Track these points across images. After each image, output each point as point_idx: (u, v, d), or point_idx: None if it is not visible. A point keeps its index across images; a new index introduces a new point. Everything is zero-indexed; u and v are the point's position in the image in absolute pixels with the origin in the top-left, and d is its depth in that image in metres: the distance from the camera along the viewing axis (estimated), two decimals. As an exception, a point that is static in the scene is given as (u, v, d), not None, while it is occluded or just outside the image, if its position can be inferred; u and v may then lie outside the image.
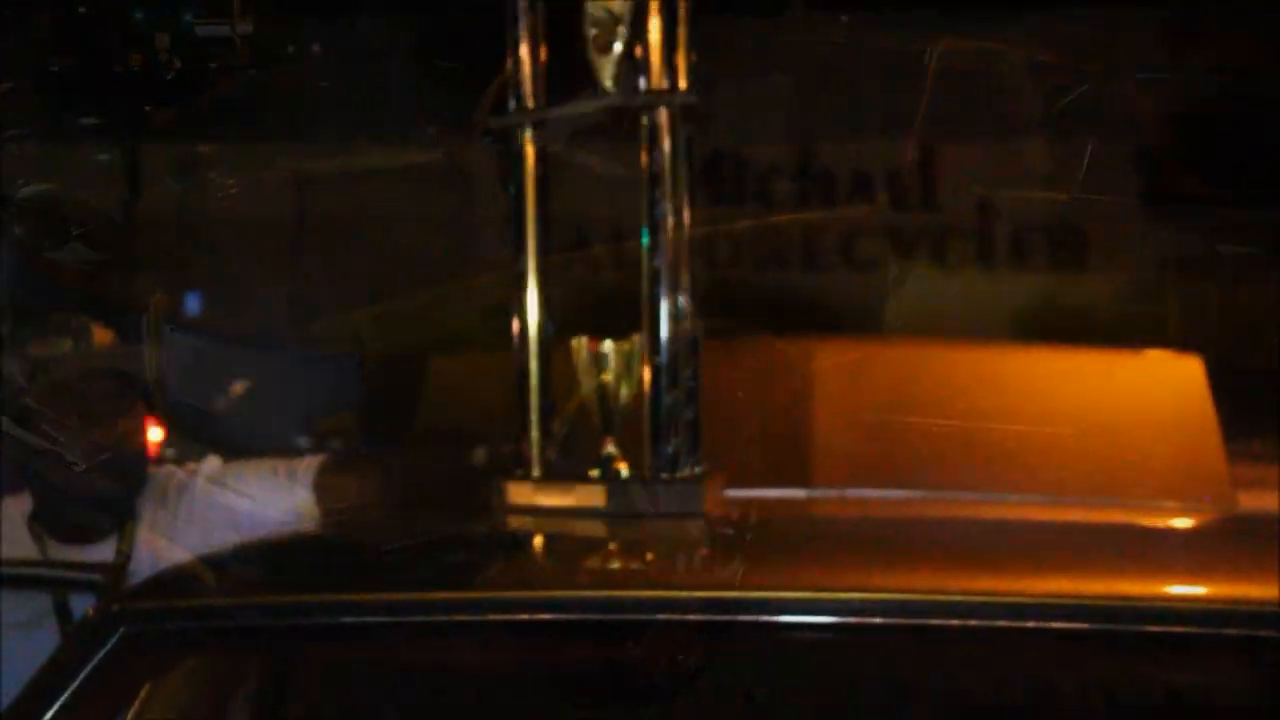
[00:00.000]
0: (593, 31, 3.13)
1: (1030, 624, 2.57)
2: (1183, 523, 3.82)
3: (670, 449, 3.07)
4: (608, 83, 3.14)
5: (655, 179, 3.08)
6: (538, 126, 3.15)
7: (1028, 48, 30.23)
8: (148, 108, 31.07)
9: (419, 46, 26.28)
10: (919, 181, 29.94)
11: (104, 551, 4.14)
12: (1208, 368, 4.44)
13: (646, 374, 3.15)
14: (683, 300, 3.11)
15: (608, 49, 3.10)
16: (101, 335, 4.52)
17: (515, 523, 3.12)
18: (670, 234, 3.09)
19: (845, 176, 28.67)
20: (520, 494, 3.09)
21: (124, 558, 3.76)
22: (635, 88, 3.08)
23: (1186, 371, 4.46)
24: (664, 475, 3.07)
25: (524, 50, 3.15)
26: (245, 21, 32.44)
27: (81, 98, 30.39)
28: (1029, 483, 3.94)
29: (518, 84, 3.16)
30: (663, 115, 3.09)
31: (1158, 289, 25.35)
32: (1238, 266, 25.79)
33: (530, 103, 3.17)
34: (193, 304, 26.23)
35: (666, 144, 3.09)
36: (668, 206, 3.09)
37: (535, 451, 3.19)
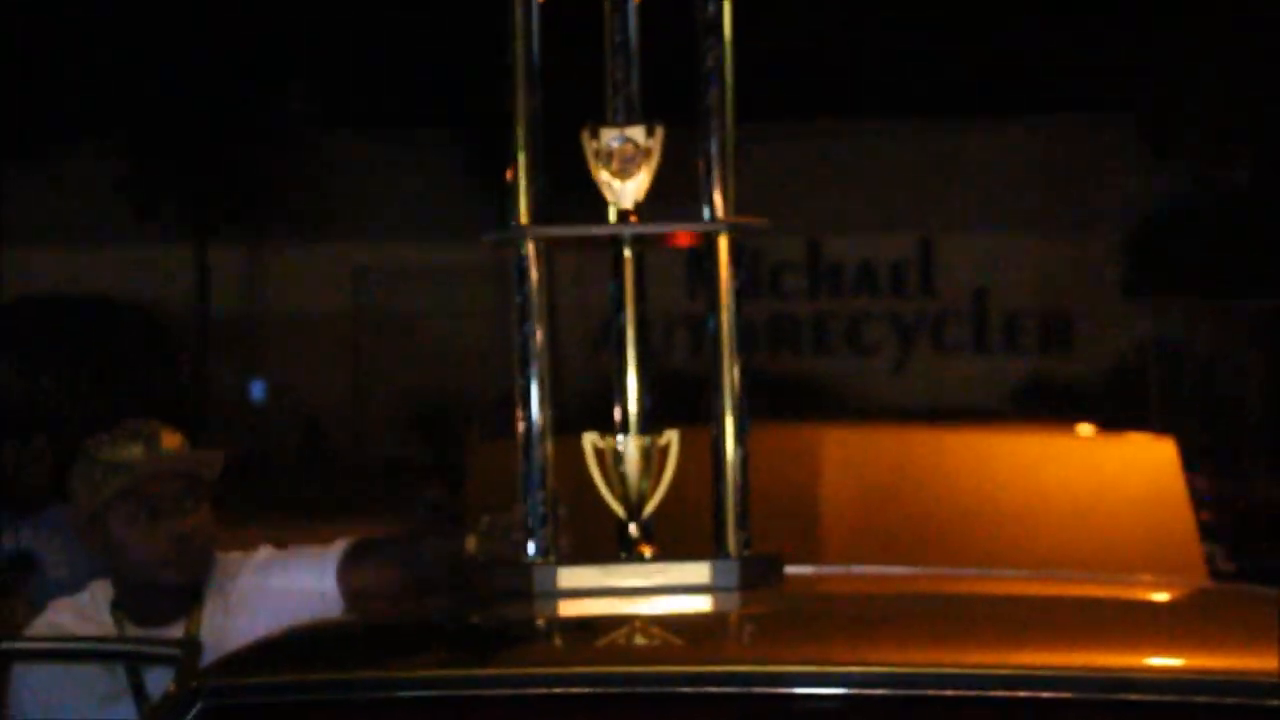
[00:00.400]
0: (614, 152, 3.12)
1: (1022, 694, 2.55)
2: (1159, 595, 3.80)
3: (742, 532, 3.06)
4: (628, 205, 3.13)
5: (714, 302, 3.09)
6: (538, 241, 3.11)
7: (1019, 152, 32.41)
8: (222, 212, 32.83)
9: (467, 157, 28.14)
10: (919, 272, 32.06)
11: (175, 633, 4.21)
12: (1180, 448, 4.57)
13: (710, 466, 3.10)
14: (740, 402, 3.10)
15: (628, 175, 3.10)
16: (170, 439, 4.47)
17: (551, 602, 3.08)
18: (727, 343, 3.10)
19: (851, 268, 30.86)
20: (561, 577, 3.03)
21: (195, 639, 3.87)
22: (704, 214, 3.06)
23: (1161, 453, 4.58)
24: (742, 554, 3.05)
25: (522, 154, 3.13)
26: (303, 98, 34.24)
27: (160, 204, 32.43)
28: (1020, 558, 3.99)
29: (517, 200, 3.13)
30: (723, 243, 3.10)
31: (1138, 370, 27.20)
32: (1210, 351, 27.99)
33: (526, 217, 3.14)
34: (258, 391, 27.72)
35: (725, 267, 3.09)
36: (725, 319, 3.08)
37: (551, 536, 3.12)
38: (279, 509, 24.41)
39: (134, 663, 3.89)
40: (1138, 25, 33.73)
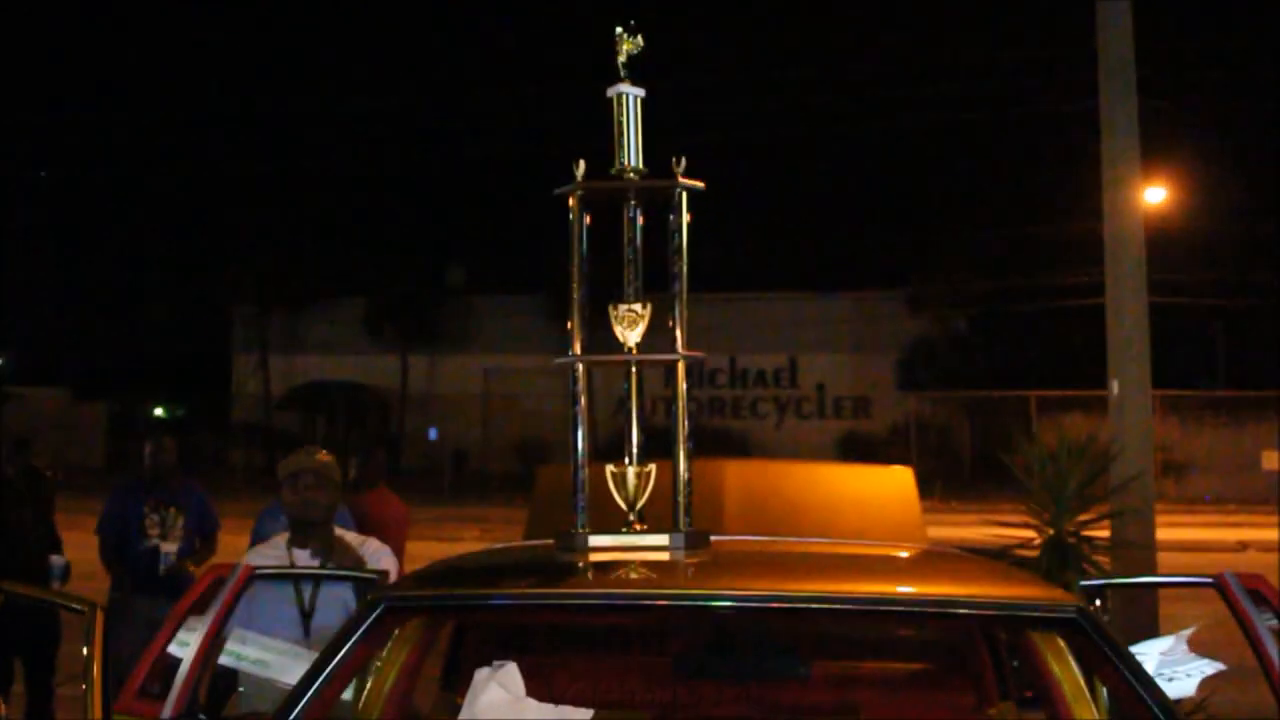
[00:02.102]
0: (624, 317, 3.30)
1: (835, 606, 2.83)
2: (905, 553, 3.76)
3: (688, 519, 3.20)
4: (631, 344, 3.31)
5: (674, 393, 3.26)
6: (588, 363, 3.27)
7: (843, 309, 37.05)
8: (416, 337, 39.85)
9: (547, 304, 34.96)
10: (789, 374, 39.07)
11: (318, 560, 4.74)
12: (916, 474, 4.88)
13: (673, 481, 3.24)
14: (687, 450, 3.23)
15: (634, 326, 3.29)
16: (320, 454, 5.05)
17: (596, 556, 3.12)
18: (682, 418, 3.25)
19: (753, 372, 37.93)
20: (598, 542, 3.17)
21: (384, 572, 3.88)
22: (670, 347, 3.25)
23: (904, 476, 4.83)
24: (686, 530, 3.19)
25: (575, 316, 3.31)
26: (457, 272, 41.21)
27: (382, 331, 37.25)
28: (830, 533, 4.17)
29: (574, 336, 3.31)
30: (680, 365, 3.26)
31: (905, 431, 33.86)
32: (942, 421, 34.89)
33: (579, 350, 3.30)
34: (431, 435, 35.11)
35: (682, 381, 3.26)
36: (680, 403, 3.26)
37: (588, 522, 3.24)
38: (443, 501, 27.94)
39: (350, 581, 4.04)
40: (907, 231, 36.13)
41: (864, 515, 4.48)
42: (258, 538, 5.53)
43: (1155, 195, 27.63)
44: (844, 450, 33.60)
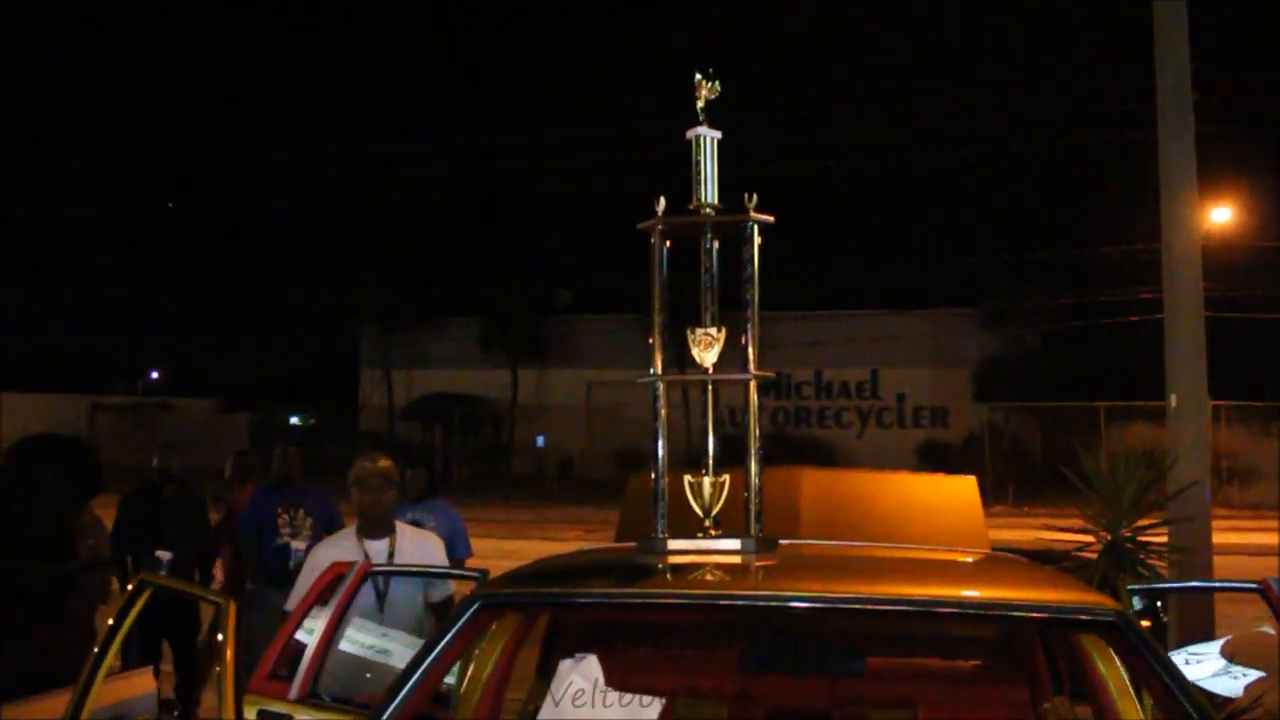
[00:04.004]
0: (701, 340, 3.33)
1: (903, 607, 2.83)
2: (969, 559, 3.70)
3: (758, 525, 3.21)
4: (708, 364, 3.32)
5: (746, 408, 3.27)
6: (669, 381, 3.29)
7: (922, 327, 36.05)
8: (525, 353, 40.21)
9: (640, 325, 34.52)
10: (871, 386, 38.70)
11: (384, 548, 5.04)
12: (984, 482, 4.93)
13: (745, 493, 3.24)
14: (758, 460, 3.24)
15: (709, 348, 3.32)
16: (382, 460, 5.38)
17: (674, 559, 3.14)
18: (754, 431, 3.26)
19: (837, 384, 37.66)
20: (676, 546, 3.19)
21: (485, 571, 3.76)
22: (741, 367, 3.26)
23: (968, 485, 4.69)
24: (757, 535, 3.21)
25: (656, 337, 3.34)
26: (564, 293, 41.28)
27: (495, 348, 37.80)
28: (902, 538, 4.05)
29: (654, 357, 3.33)
30: (751, 383, 3.27)
31: (980, 440, 32.98)
32: (1015, 430, 34.15)
33: (660, 370, 3.31)
34: (540, 443, 35.04)
35: (754, 397, 3.28)
36: (752, 414, 3.27)
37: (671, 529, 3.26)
38: (549, 504, 27.83)
39: (458, 578, 4.38)
40: (980, 253, 34.76)
41: (930, 521, 4.40)
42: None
43: (1221, 214, 27.07)
44: (922, 457, 33.36)
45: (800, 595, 2.82)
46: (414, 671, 2.69)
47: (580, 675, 2.46)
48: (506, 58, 56.46)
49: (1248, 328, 27.49)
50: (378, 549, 5.05)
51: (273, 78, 58.57)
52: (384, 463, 5.17)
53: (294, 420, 43.05)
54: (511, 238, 41.75)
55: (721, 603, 2.91)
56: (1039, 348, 36.02)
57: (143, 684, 4.88)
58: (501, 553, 9.64)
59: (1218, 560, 8.06)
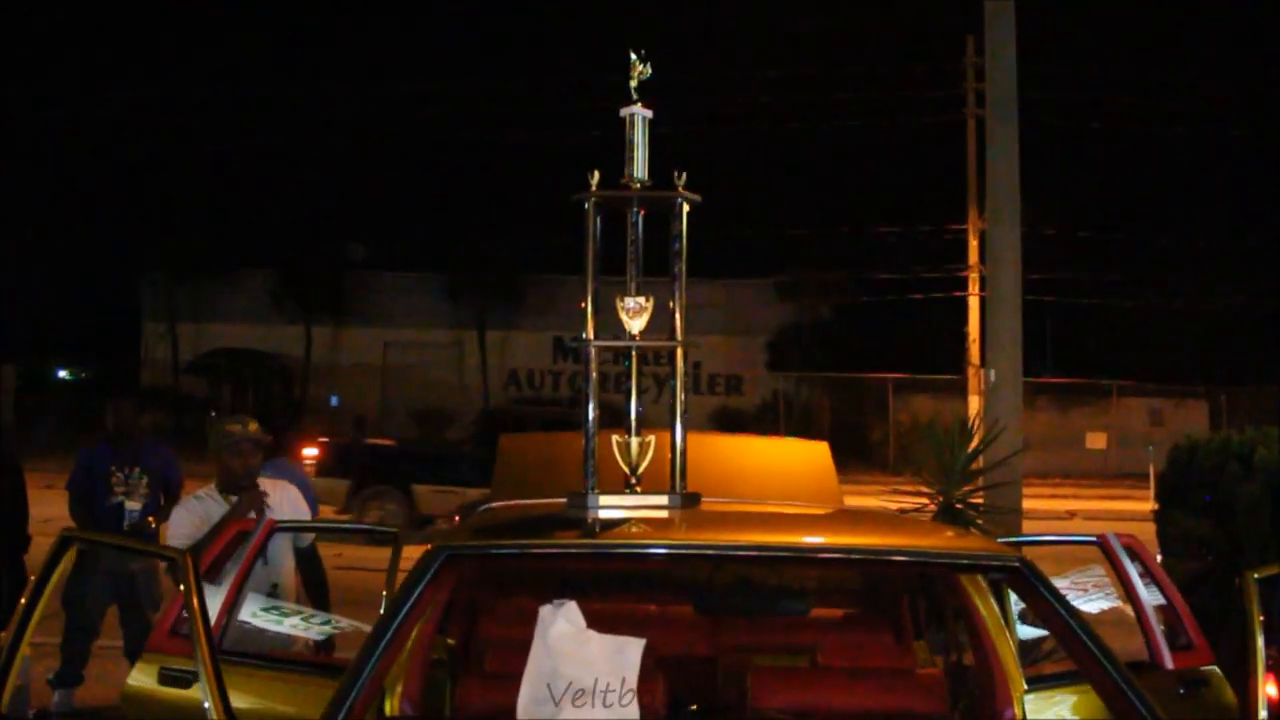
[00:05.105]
0: (630, 308, 3.42)
1: (779, 554, 3.09)
2: (821, 511, 3.90)
3: (683, 483, 3.32)
4: (635, 332, 3.43)
5: (673, 374, 3.43)
6: (599, 347, 3.40)
7: (723, 295, 37.13)
8: (320, 309, 38.03)
9: (440, 284, 34.55)
10: (668, 353, 40.04)
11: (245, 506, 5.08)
12: (831, 448, 4.88)
13: (668, 452, 3.35)
14: (683, 423, 3.37)
15: (638, 317, 3.43)
16: (250, 424, 5.51)
17: (596, 510, 3.23)
18: (680, 395, 3.39)
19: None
20: (601, 499, 3.27)
21: (397, 532, 4.13)
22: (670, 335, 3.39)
23: (822, 449, 4.90)
24: (681, 491, 3.31)
25: (590, 305, 3.40)
26: (359, 248, 38.42)
27: (287, 303, 35.69)
28: (764, 496, 4.11)
29: (588, 323, 3.42)
30: (679, 350, 3.43)
31: (773, 407, 33.60)
32: (806, 398, 35.25)
33: (592, 335, 3.41)
34: (333, 403, 34.18)
35: (680, 361, 3.44)
36: (678, 378, 3.41)
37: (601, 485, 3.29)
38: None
39: (371, 534, 4.70)
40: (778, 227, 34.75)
41: (794, 483, 4.55)
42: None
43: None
44: (717, 424, 33.74)
45: (758, 545, 2.99)
46: (387, 627, 2.71)
47: (564, 619, 2.50)
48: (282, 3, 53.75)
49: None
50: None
51: (55, 11, 54.45)
52: (253, 427, 5.27)
53: (61, 374, 40.66)
54: (306, 190, 40.43)
55: (685, 551, 3.03)
56: (831, 320, 37.10)
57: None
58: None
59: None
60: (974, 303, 27.37)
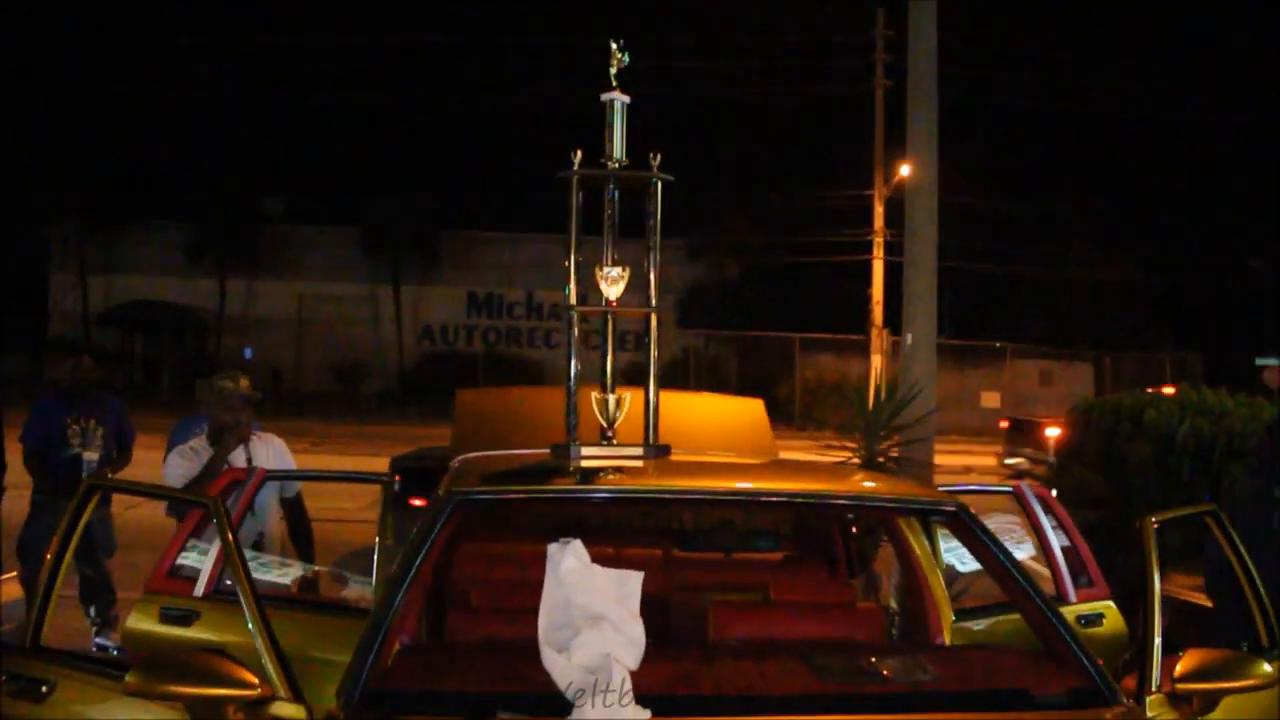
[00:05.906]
0: (608, 274, 3.51)
1: (730, 498, 3.34)
2: (757, 461, 4.08)
3: (655, 433, 3.43)
4: (612, 298, 3.52)
5: (647, 336, 3.60)
6: (580, 311, 3.48)
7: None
8: (234, 261, 37.29)
9: (358, 238, 34.17)
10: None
11: (240, 459, 5.26)
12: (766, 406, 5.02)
13: (642, 408, 3.45)
14: (656, 381, 3.52)
15: (614, 285, 3.52)
16: (242, 380, 5.66)
17: (578, 460, 3.31)
18: (654, 355, 3.56)
19: (548, 305, 36.82)
20: (582, 450, 3.33)
21: (390, 478, 4.25)
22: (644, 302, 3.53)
23: (758, 406, 5.07)
24: (655, 443, 3.43)
25: (572, 274, 3.48)
26: (275, 201, 36.93)
27: (203, 256, 35.66)
28: (705, 449, 4.17)
29: (570, 288, 3.50)
30: (653, 316, 3.59)
31: (684, 364, 33.81)
32: (714, 355, 35.43)
33: (574, 300, 3.48)
34: (248, 355, 33.51)
35: (654, 326, 3.59)
36: (653, 341, 3.58)
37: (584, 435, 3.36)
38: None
39: (361, 481, 4.85)
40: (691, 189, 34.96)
41: (729, 435, 4.67)
42: (175, 444, 5.82)
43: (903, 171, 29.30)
44: (628, 380, 33.79)
45: (741, 490, 3.26)
46: (407, 571, 2.81)
47: (571, 556, 2.74)
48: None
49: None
50: (234, 456, 5.28)
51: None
52: (244, 383, 5.36)
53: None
54: (222, 142, 39.12)
55: (688, 497, 3.31)
56: (739, 280, 37.65)
57: (9, 590, 4.83)
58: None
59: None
60: (878, 266, 27.82)
